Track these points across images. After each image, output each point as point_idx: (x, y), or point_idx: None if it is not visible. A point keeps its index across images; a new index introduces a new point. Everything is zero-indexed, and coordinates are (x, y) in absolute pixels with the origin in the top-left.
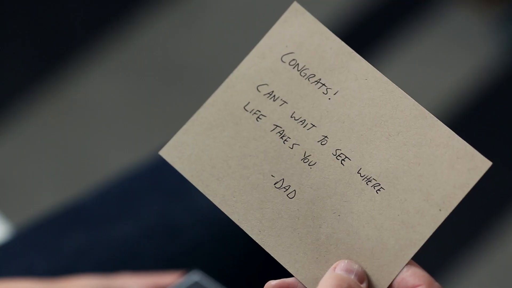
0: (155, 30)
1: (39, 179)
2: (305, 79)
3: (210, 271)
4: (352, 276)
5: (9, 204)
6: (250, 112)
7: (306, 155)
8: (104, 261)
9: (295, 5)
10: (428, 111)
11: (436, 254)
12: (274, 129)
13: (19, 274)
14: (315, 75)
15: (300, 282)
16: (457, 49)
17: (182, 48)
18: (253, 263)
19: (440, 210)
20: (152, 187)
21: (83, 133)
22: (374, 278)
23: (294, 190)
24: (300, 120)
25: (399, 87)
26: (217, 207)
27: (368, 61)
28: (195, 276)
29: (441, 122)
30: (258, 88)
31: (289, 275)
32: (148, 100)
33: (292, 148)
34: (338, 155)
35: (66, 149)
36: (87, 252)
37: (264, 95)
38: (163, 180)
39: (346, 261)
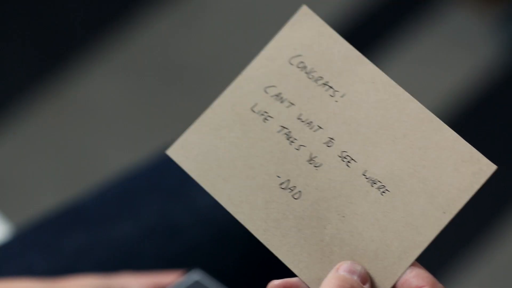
0: (155, 30)
1: (39, 179)
2: (313, 81)
3: (210, 271)
4: (355, 277)
5: (9, 204)
6: (258, 113)
7: (312, 156)
8: (104, 261)
9: (304, 9)
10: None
11: (436, 254)
12: (281, 131)
13: (19, 274)
14: (322, 78)
15: (304, 282)
16: (457, 49)
17: (182, 48)
18: (253, 263)
19: (444, 212)
20: (152, 187)
21: (83, 133)
22: (378, 280)
23: (300, 191)
24: (307, 122)
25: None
26: (217, 207)
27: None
28: (196, 275)
29: (447, 126)
30: (266, 89)
31: (289, 274)
32: (148, 100)
33: (298, 150)
34: (344, 157)
35: (66, 149)
36: (87, 252)
37: (272, 96)
38: (163, 180)
39: (349, 262)
